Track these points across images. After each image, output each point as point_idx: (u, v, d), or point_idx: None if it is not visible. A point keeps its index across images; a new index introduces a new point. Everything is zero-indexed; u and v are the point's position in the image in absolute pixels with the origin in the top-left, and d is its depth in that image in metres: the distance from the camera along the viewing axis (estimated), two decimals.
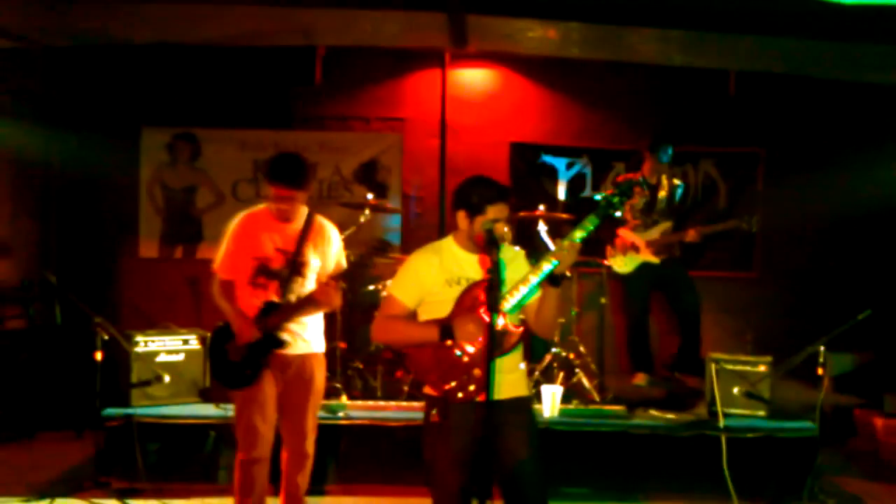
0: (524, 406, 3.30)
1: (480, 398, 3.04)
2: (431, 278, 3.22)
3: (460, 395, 3.11)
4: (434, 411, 3.17)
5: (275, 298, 3.94)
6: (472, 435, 3.05)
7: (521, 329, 3.18)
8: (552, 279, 3.09)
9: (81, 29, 6.01)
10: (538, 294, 3.19)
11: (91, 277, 6.61)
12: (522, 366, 3.33)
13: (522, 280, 3.11)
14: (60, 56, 6.70)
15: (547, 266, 3.06)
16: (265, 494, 4.06)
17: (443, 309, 3.18)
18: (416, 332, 3.22)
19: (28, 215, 6.81)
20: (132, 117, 7.21)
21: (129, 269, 7.19)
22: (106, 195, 7.15)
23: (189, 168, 7.29)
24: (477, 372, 3.09)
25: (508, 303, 3.11)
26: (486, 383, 2.92)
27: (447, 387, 3.12)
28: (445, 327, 3.11)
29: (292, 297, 3.95)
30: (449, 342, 3.11)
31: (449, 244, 3.32)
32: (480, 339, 3.06)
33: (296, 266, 3.99)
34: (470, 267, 3.24)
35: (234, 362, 3.95)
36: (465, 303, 3.15)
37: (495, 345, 2.94)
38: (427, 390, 3.24)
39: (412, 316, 3.27)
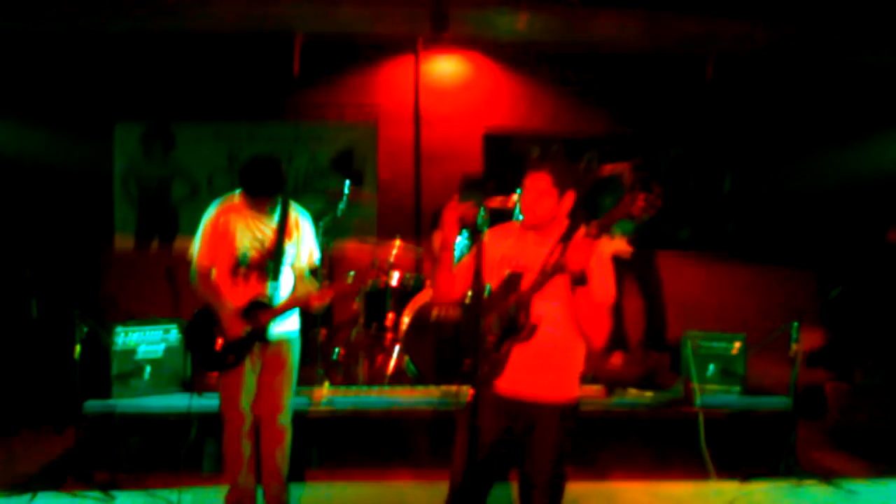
0: (554, 413, 3.10)
1: (498, 388, 3.04)
2: None
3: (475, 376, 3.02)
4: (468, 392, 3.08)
5: (257, 291, 4.04)
6: (489, 425, 2.95)
7: (535, 324, 3.01)
8: (576, 279, 2.86)
9: (54, 18, 5.92)
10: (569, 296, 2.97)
11: (67, 271, 6.54)
12: (572, 369, 3.18)
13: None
14: (32, 48, 6.62)
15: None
16: (252, 469, 4.17)
17: None
18: None
19: (1, 210, 6.73)
20: (105, 111, 7.14)
21: (105, 262, 7.13)
22: (80, 189, 7.05)
23: (164, 160, 7.26)
24: (494, 357, 3.03)
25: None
26: (473, 368, 2.86)
27: (467, 365, 3.02)
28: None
29: (272, 288, 4.05)
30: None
31: None
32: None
33: (274, 257, 4.07)
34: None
35: (217, 349, 4.01)
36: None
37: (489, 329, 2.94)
38: None
39: None
